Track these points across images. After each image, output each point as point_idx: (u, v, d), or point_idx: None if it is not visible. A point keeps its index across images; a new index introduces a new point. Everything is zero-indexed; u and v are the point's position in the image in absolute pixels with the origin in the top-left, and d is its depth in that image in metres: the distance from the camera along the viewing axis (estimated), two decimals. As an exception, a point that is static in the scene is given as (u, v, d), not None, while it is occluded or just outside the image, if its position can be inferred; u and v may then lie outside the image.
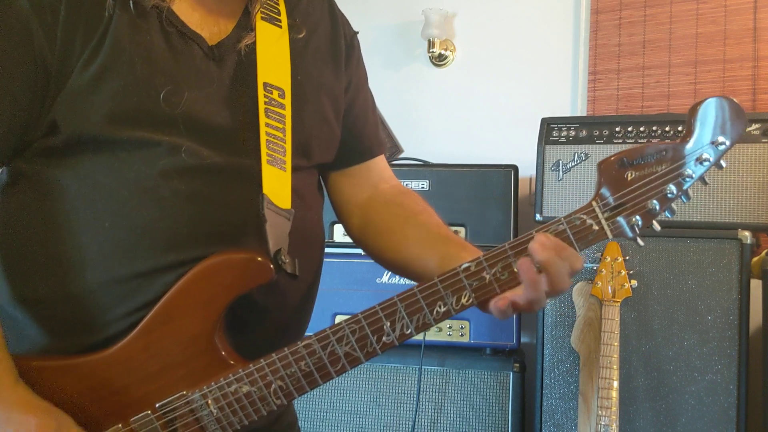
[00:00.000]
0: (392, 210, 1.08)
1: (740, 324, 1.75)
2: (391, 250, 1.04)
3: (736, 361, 1.75)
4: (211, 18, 0.93)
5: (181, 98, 0.86)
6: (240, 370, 0.85)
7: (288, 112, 0.94)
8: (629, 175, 0.81)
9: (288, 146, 0.93)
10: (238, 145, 0.90)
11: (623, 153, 0.81)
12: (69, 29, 0.82)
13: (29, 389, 0.81)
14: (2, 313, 0.86)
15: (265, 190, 0.89)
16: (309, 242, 0.99)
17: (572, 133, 1.99)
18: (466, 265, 0.83)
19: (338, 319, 2.09)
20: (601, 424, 1.69)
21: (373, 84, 1.17)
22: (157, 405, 0.85)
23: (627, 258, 1.78)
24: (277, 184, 0.90)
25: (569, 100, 2.61)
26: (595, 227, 0.82)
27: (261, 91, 0.92)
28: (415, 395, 2.04)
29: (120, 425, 0.85)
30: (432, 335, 2.05)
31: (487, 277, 0.83)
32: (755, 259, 1.81)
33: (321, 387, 0.87)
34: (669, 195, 0.81)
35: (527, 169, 2.32)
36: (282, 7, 1.00)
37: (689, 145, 0.81)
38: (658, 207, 0.81)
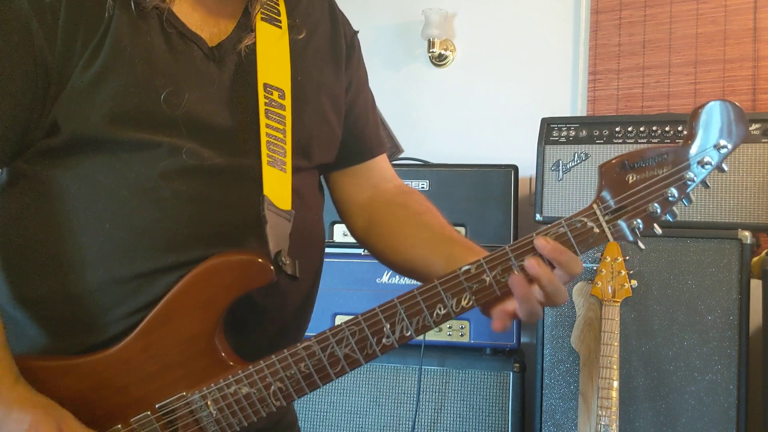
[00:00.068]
0: (395, 210, 1.08)
1: (740, 324, 1.75)
2: (396, 252, 1.04)
3: (736, 361, 1.75)
4: (212, 19, 0.93)
5: (182, 99, 0.86)
6: (239, 372, 0.85)
7: (288, 113, 0.94)
8: (630, 178, 0.81)
9: (288, 147, 0.93)
10: (238, 146, 0.90)
11: (624, 156, 0.81)
12: (69, 30, 0.82)
13: (30, 387, 0.81)
14: (2, 313, 0.86)
15: (266, 191, 0.89)
16: (309, 243, 0.99)
17: (572, 133, 1.99)
18: (466, 267, 0.83)
19: (338, 319, 2.10)
20: (601, 424, 1.69)
21: (373, 84, 1.17)
22: (156, 406, 0.85)
23: (627, 258, 1.78)
24: (277, 185, 0.90)
25: (569, 100, 2.61)
26: (596, 230, 0.82)
27: (261, 92, 0.92)
28: (415, 395, 2.04)
29: (120, 425, 0.85)
30: (432, 335, 2.05)
31: (488, 279, 0.83)
32: (755, 259, 1.81)
33: (321, 387, 0.87)
34: (670, 198, 0.81)
35: (527, 169, 2.32)
36: (282, 8, 1.00)
37: (691, 149, 0.80)
38: (659, 210, 0.81)
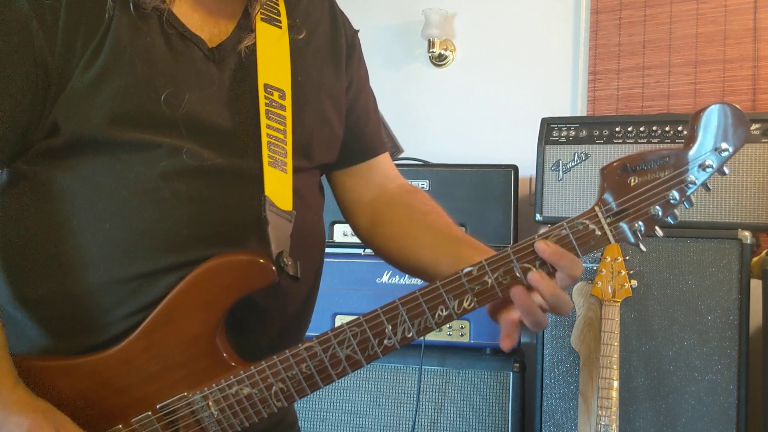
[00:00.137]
0: (400, 210, 1.08)
1: (740, 324, 1.76)
2: (402, 252, 1.04)
3: (736, 361, 1.75)
4: (212, 19, 0.93)
5: (182, 100, 0.86)
6: (241, 372, 0.85)
7: (288, 113, 0.94)
8: (632, 180, 0.82)
9: (289, 147, 0.93)
10: (238, 146, 0.90)
11: (626, 159, 0.81)
12: (70, 30, 0.82)
13: (29, 390, 0.81)
14: (2, 313, 0.86)
15: (267, 192, 0.89)
16: (310, 243, 0.99)
17: (572, 133, 1.99)
18: (468, 269, 0.83)
19: (338, 319, 2.10)
20: (601, 424, 1.69)
21: (373, 84, 1.17)
22: (158, 406, 0.85)
23: (627, 258, 1.78)
24: (278, 186, 0.90)
25: (569, 100, 2.61)
26: (598, 232, 0.82)
27: (261, 93, 0.92)
28: (415, 395, 2.05)
29: (121, 426, 0.85)
30: (432, 335, 2.05)
31: (489, 281, 0.83)
32: (755, 259, 1.81)
33: (322, 388, 0.87)
34: (672, 201, 0.81)
35: (527, 169, 2.32)
36: (282, 8, 1.00)
37: (692, 152, 0.81)
38: (660, 213, 0.81)
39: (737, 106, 0.80)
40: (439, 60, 2.77)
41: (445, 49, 2.75)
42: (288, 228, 0.91)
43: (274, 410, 0.85)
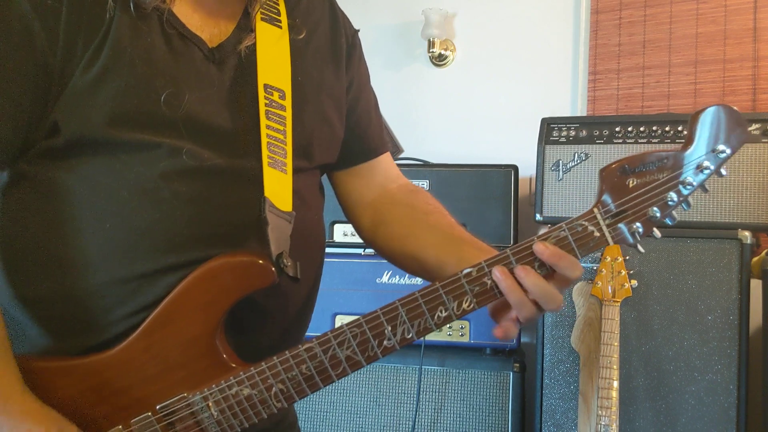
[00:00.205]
0: (402, 210, 1.08)
1: (740, 324, 1.75)
2: (405, 252, 1.04)
3: (736, 361, 1.75)
4: (212, 20, 0.93)
5: (182, 100, 0.86)
6: (241, 373, 0.85)
7: (288, 114, 0.94)
8: (631, 182, 0.82)
9: (289, 148, 0.93)
10: (238, 147, 0.90)
11: (624, 160, 0.82)
12: (71, 31, 0.82)
13: (35, 397, 0.81)
14: (3, 313, 0.86)
15: (267, 192, 0.89)
16: (310, 244, 0.99)
17: (572, 133, 1.99)
18: (468, 270, 0.84)
19: (338, 319, 2.10)
20: (601, 424, 1.69)
21: (373, 84, 1.17)
22: (157, 407, 0.84)
23: (627, 258, 1.79)
24: (278, 187, 0.90)
25: (569, 100, 2.61)
26: (597, 234, 0.83)
27: (261, 93, 0.92)
28: (415, 395, 2.05)
29: (120, 426, 0.84)
30: (432, 335, 2.05)
31: (488, 282, 0.84)
32: (755, 259, 1.81)
33: (322, 388, 0.87)
34: (670, 202, 0.82)
35: (527, 169, 2.32)
36: (282, 8, 1.00)
37: (690, 154, 0.81)
38: (659, 214, 0.82)
39: (735, 108, 0.80)
40: (439, 60, 2.77)
41: (445, 49, 2.75)
42: (288, 229, 0.91)
43: (273, 411, 0.85)
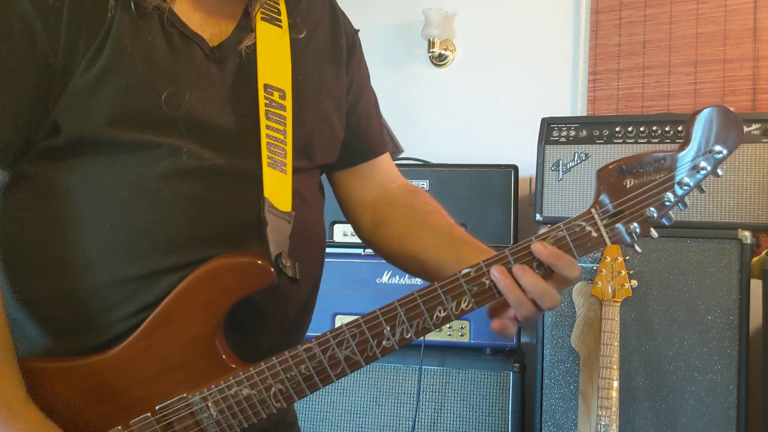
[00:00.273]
0: (402, 211, 1.08)
1: (740, 324, 1.75)
2: (405, 253, 1.04)
3: (736, 361, 1.75)
4: (212, 19, 0.93)
5: (183, 100, 0.86)
6: (240, 373, 0.85)
7: (289, 114, 0.94)
8: (628, 182, 0.82)
9: (289, 148, 0.93)
10: (239, 147, 0.90)
11: (622, 161, 0.83)
12: (72, 31, 0.82)
13: (38, 408, 0.81)
14: (3, 314, 0.86)
15: (266, 193, 0.89)
16: (310, 244, 0.99)
17: (572, 133, 1.99)
18: (466, 270, 0.84)
19: (338, 319, 2.10)
20: (601, 424, 1.69)
21: (373, 84, 1.17)
22: (157, 407, 0.84)
23: (627, 258, 1.78)
24: (277, 187, 0.90)
25: (569, 100, 2.61)
26: (594, 234, 0.83)
27: (261, 93, 0.92)
28: (415, 395, 2.05)
29: (120, 427, 0.84)
30: (432, 335, 2.05)
31: (487, 282, 0.84)
32: (755, 259, 1.81)
33: (321, 389, 0.87)
34: (667, 203, 0.82)
35: (527, 169, 2.32)
36: (282, 7, 1.00)
37: (687, 154, 0.82)
38: (656, 214, 0.83)
39: (731, 109, 0.80)
40: (439, 60, 2.77)
41: (445, 49, 2.75)
42: (287, 229, 0.91)
43: (273, 411, 0.85)
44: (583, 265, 1.84)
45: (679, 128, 1.89)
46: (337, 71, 1.04)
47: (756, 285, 1.78)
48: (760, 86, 2.31)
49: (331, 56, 1.04)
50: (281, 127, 0.93)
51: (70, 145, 0.84)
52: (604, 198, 0.83)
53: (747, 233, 1.77)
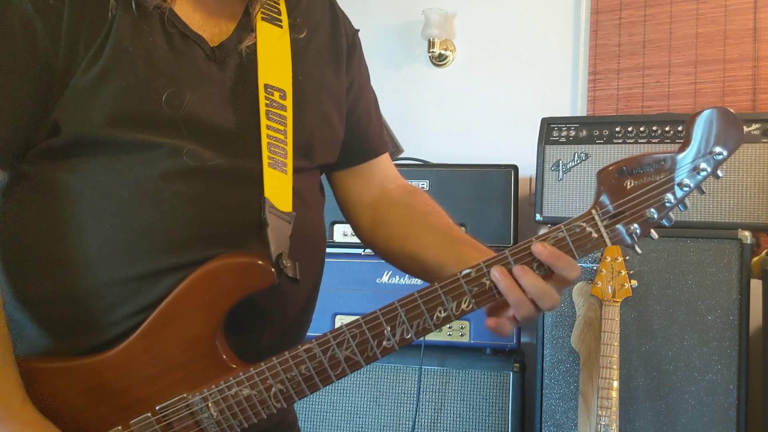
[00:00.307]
0: (401, 211, 1.08)
1: (740, 324, 1.76)
2: (404, 253, 1.04)
3: (736, 361, 1.75)
4: (213, 19, 0.93)
5: (183, 100, 0.85)
6: (240, 374, 0.85)
7: (289, 114, 0.94)
8: (628, 183, 0.83)
9: (289, 148, 0.93)
10: (239, 147, 0.90)
11: (622, 162, 0.83)
12: (73, 31, 0.82)
13: (35, 409, 0.81)
14: (3, 314, 0.86)
15: (267, 193, 0.89)
16: (310, 244, 0.99)
17: (572, 133, 1.99)
18: (467, 271, 0.84)
19: (338, 319, 2.10)
20: (601, 424, 1.69)
21: (373, 84, 1.17)
22: (157, 407, 0.84)
23: (627, 258, 1.79)
24: (278, 188, 0.90)
25: (569, 100, 2.61)
26: (594, 235, 0.84)
27: (262, 93, 0.92)
28: (415, 395, 2.05)
29: (120, 427, 0.84)
30: (432, 335, 2.05)
31: (487, 283, 0.84)
32: (755, 259, 1.81)
33: (321, 389, 0.87)
34: (667, 204, 0.83)
35: (527, 169, 2.32)
36: (282, 7, 1.00)
37: (687, 156, 0.82)
38: (656, 215, 0.83)
39: (731, 110, 0.81)
40: (439, 60, 2.77)
41: (445, 49, 2.75)
42: (287, 229, 0.91)
43: (273, 411, 0.85)
44: (583, 265, 1.84)
45: (679, 128, 1.89)
46: (338, 71, 1.04)
47: (756, 285, 1.78)
48: (760, 86, 2.31)
49: (332, 56, 1.04)
50: (282, 127, 0.93)
51: (70, 145, 0.84)
52: (604, 199, 0.83)
53: (747, 233, 1.77)
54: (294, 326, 0.97)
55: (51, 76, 0.82)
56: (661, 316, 1.82)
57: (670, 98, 2.43)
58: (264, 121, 0.91)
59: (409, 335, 0.84)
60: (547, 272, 0.84)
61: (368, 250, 1.09)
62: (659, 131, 1.91)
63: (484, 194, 2.14)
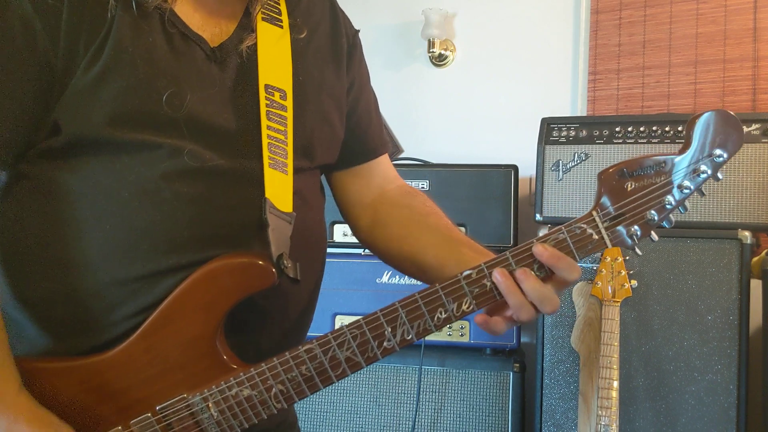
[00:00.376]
0: (401, 211, 1.08)
1: (740, 324, 1.76)
2: (405, 254, 1.04)
3: (736, 361, 1.76)
4: (213, 19, 0.93)
5: (184, 100, 0.85)
6: (241, 374, 0.85)
7: (289, 114, 0.94)
8: (629, 185, 0.83)
9: (289, 149, 0.93)
10: (240, 147, 0.90)
11: (623, 164, 0.83)
12: (72, 31, 0.82)
13: (32, 397, 0.81)
14: (2, 314, 0.86)
15: (268, 194, 0.89)
16: (311, 244, 0.99)
17: (572, 133, 1.99)
18: (468, 272, 0.84)
19: (338, 319, 2.10)
20: (601, 424, 1.69)
21: (373, 84, 1.17)
22: (157, 407, 0.84)
23: (627, 258, 1.78)
24: (278, 188, 0.90)
25: (569, 100, 2.61)
26: (595, 236, 0.84)
27: (262, 94, 0.92)
28: (415, 395, 2.05)
29: (120, 427, 0.84)
30: (432, 335, 2.03)
31: (488, 284, 0.84)
32: (755, 259, 1.81)
33: (321, 389, 0.87)
34: (667, 206, 0.83)
35: (527, 169, 2.32)
36: (283, 7, 1.00)
37: (687, 158, 0.83)
38: (656, 217, 0.83)
39: (731, 113, 0.81)
40: (439, 60, 2.77)
41: (445, 49, 2.75)
42: (288, 230, 0.91)
43: (273, 412, 0.85)
44: (584, 265, 1.84)
45: (679, 128, 1.89)
46: (338, 71, 1.04)
47: (756, 285, 1.78)
48: (760, 86, 2.31)
49: (332, 56, 1.04)
50: (282, 128, 0.93)
51: (70, 145, 0.84)
52: (605, 200, 0.84)
53: (747, 233, 1.78)
54: (294, 327, 0.97)
55: (51, 75, 0.82)
56: (661, 316, 1.82)
57: (670, 98, 2.43)
58: (264, 122, 0.91)
59: (410, 336, 0.84)
60: (547, 274, 0.84)
61: (368, 250, 1.09)
62: (659, 131, 1.91)
63: (484, 194, 2.14)
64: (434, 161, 2.36)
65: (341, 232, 2.22)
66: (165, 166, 0.85)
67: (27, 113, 0.83)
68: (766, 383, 1.71)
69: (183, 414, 0.85)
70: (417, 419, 2.03)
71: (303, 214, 0.94)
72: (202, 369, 0.85)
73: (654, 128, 1.91)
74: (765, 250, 1.84)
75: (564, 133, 1.99)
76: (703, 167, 0.82)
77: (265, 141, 0.90)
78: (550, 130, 2.02)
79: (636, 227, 0.83)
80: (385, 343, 0.84)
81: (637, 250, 0.86)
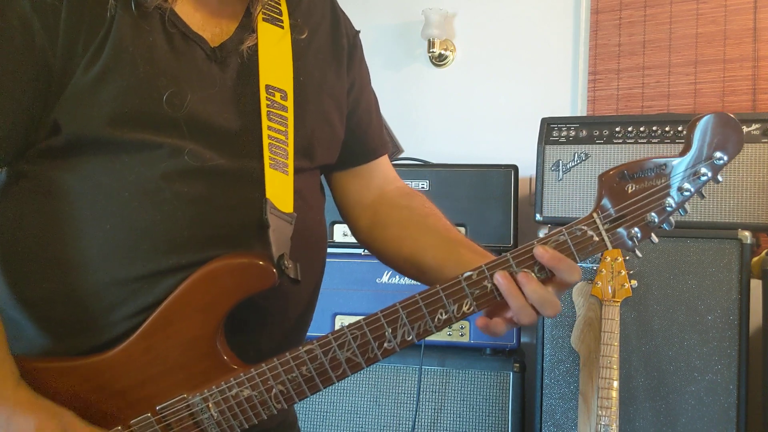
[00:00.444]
0: (400, 212, 1.08)
1: (740, 324, 1.76)
2: (404, 255, 1.04)
3: (736, 361, 1.76)
4: (213, 19, 0.93)
5: (184, 100, 0.85)
6: (241, 374, 0.85)
7: (290, 114, 0.94)
8: (629, 188, 0.83)
9: (290, 149, 0.93)
10: (240, 147, 0.90)
11: (623, 166, 0.83)
12: (71, 30, 0.82)
13: (31, 389, 0.81)
14: (2, 314, 0.86)
15: (268, 194, 0.88)
16: (311, 244, 0.99)
17: (572, 133, 1.99)
18: (468, 273, 0.84)
19: (338, 319, 2.10)
20: (601, 424, 1.69)
21: (373, 84, 1.17)
22: (157, 408, 0.84)
23: (627, 258, 1.79)
24: (279, 188, 0.90)
25: (569, 100, 2.61)
26: (596, 238, 0.84)
27: (263, 94, 0.92)
28: (415, 395, 2.05)
29: (120, 427, 0.84)
30: (432, 335, 2.05)
31: (489, 285, 0.84)
32: (755, 259, 1.81)
33: (322, 390, 0.87)
34: (668, 208, 0.83)
35: (527, 169, 2.32)
36: (284, 7, 1.00)
37: (687, 161, 0.83)
38: (657, 219, 0.83)
39: (732, 115, 0.81)
40: (439, 60, 2.77)
41: (445, 49, 2.75)
42: (289, 230, 0.91)
43: (273, 412, 0.85)
44: (584, 265, 1.84)
45: (679, 128, 1.89)
46: (338, 72, 1.04)
47: (756, 285, 1.78)
48: (760, 86, 2.31)
49: (332, 57, 1.04)
50: (282, 128, 0.92)
51: (70, 145, 0.84)
52: (605, 202, 0.84)
53: (747, 233, 1.78)
54: (295, 327, 0.97)
55: (49, 74, 0.82)
56: (661, 316, 1.83)
57: (670, 98, 2.43)
58: (265, 122, 0.91)
59: (410, 337, 0.84)
60: (547, 275, 0.84)
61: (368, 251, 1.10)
62: (659, 131, 1.91)
63: (484, 194, 2.14)
64: (434, 161, 2.36)
65: (341, 232, 2.22)
66: (165, 166, 0.85)
67: (25, 111, 0.83)
68: (766, 383, 1.71)
69: (183, 414, 0.85)
70: (417, 419, 2.03)
71: (303, 214, 0.94)
72: (202, 369, 0.85)
73: (654, 128, 1.91)
74: (765, 250, 1.84)
75: (564, 133, 1.99)
76: (703, 170, 0.82)
77: (265, 141, 0.90)
78: (550, 130, 2.02)
79: (636, 229, 0.84)
80: (385, 344, 0.84)
81: (638, 252, 0.86)
